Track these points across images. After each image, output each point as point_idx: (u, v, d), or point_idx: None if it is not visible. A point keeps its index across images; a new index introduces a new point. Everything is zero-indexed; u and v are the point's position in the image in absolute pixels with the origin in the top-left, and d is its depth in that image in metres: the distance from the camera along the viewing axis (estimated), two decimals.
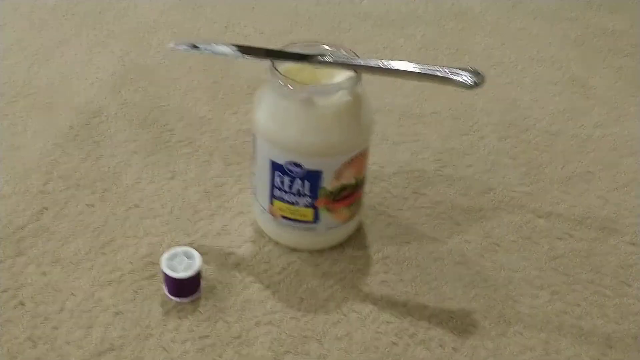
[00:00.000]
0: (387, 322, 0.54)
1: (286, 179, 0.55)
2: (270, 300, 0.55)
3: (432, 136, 0.77)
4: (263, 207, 0.59)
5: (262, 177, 0.57)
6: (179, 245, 0.59)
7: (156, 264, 0.58)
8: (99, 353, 0.50)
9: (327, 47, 0.56)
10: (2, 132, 0.72)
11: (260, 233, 0.62)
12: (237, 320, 0.54)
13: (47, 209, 0.63)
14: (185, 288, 0.54)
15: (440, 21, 1.01)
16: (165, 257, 0.54)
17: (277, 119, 0.53)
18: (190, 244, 0.60)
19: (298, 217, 0.58)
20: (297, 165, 0.54)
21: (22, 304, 0.54)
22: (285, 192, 0.56)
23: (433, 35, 0.96)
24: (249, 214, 0.64)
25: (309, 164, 0.54)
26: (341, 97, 0.53)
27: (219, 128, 0.76)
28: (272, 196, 0.57)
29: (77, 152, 0.70)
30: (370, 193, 0.68)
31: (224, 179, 0.68)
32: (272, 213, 0.59)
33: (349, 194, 0.57)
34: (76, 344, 0.51)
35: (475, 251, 0.62)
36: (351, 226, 0.62)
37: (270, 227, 0.60)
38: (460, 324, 0.55)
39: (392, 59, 0.54)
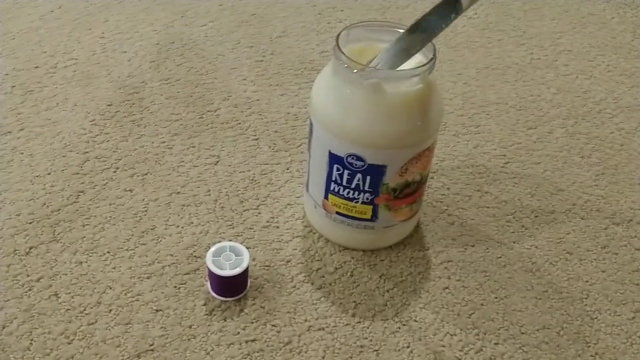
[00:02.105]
0: (451, 335, 0.49)
1: (345, 173, 0.50)
2: (322, 303, 0.51)
3: (496, 128, 0.71)
4: (316, 202, 0.54)
5: (318, 169, 0.52)
6: (224, 237, 0.55)
7: (199, 257, 0.53)
8: (137, 353, 0.46)
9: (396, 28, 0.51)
10: (39, 104, 0.68)
11: (311, 228, 0.57)
12: (287, 324, 0.49)
13: (83, 192, 0.59)
14: (231, 287, 0.50)
15: (504, 1, 0.94)
16: (211, 252, 0.50)
17: (340, 106, 0.48)
18: (235, 236, 0.56)
19: (354, 214, 0.53)
20: (359, 158, 0.49)
21: (57, 295, 0.50)
22: (343, 187, 0.51)
23: (497, 17, 0.89)
24: (299, 206, 0.59)
25: (372, 158, 0.49)
26: (413, 85, 0.48)
27: (267, 110, 0.71)
28: (328, 191, 0.52)
29: (116, 131, 0.66)
30: (429, 189, 0.62)
31: (271, 165, 0.63)
32: (325, 208, 0.54)
33: (412, 192, 0.52)
34: (114, 342, 0.47)
35: (546, 258, 0.56)
36: (410, 225, 0.56)
37: (322, 223, 0.55)
38: (532, 340, 0.49)
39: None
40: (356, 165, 0.49)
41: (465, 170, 0.65)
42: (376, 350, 0.48)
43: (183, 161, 0.63)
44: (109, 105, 0.69)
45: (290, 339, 0.48)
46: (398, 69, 0.47)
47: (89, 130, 0.65)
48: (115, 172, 0.61)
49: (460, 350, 0.48)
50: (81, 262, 0.52)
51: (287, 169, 0.63)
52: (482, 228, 0.59)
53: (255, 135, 0.67)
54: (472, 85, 0.77)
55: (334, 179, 0.51)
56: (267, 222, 0.57)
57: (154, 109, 0.69)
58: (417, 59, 0.49)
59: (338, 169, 0.50)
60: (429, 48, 0.49)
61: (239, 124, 0.68)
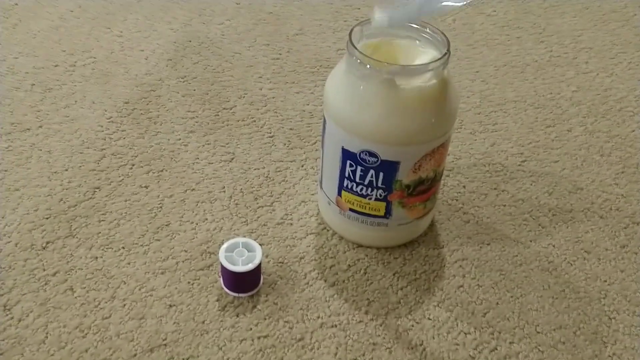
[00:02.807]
0: (466, 333, 0.49)
1: (359, 170, 0.50)
2: (335, 300, 0.51)
3: (513, 126, 0.70)
4: (329, 199, 0.54)
5: (331, 166, 0.52)
6: (238, 234, 0.55)
7: (213, 253, 0.53)
8: (150, 348, 0.47)
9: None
10: (58, 101, 0.69)
11: (324, 225, 0.57)
12: (300, 321, 0.49)
13: (99, 188, 0.59)
14: (244, 283, 0.50)
15: None
16: (223, 248, 0.50)
17: (353, 102, 0.48)
18: (249, 233, 0.56)
19: (368, 211, 0.52)
20: (372, 154, 0.48)
21: (72, 289, 0.50)
22: (357, 183, 0.51)
23: (516, 14, 0.88)
24: (313, 203, 0.59)
25: (385, 154, 0.48)
26: (427, 80, 0.47)
27: (282, 107, 0.71)
28: (341, 187, 0.52)
29: (133, 128, 0.66)
30: (444, 187, 0.62)
31: (286, 163, 0.63)
32: (339, 205, 0.53)
33: (426, 189, 0.52)
34: (127, 337, 0.47)
35: (563, 257, 0.55)
36: (424, 223, 0.56)
37: (336, 220, 0.55)
38: (548, 339, 0.49)
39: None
40: (369, 161, 0.49)
41: (481, 168, 0.64)
42: (389, 348, 0.47)
43: (198, 158, 0.63)
44: (126, 103, 0.70)
45: (303, 336, 0.48)
46: (412, 64, 0.47)
47: (106, 128, 0.66)
48: (131, 168, 0.62)
49: (475, 349, 0.48)
50: (96, 257, 0.53)
51: (302, 166, 0.63)
52: (499, 226, 0.58)
53: (270, 133, 0.67)
54: (490, 83, 0.76)
55: (347, 175, 0.51)
56: (281, 219, 0.57)
57: (170, 106, 0.70)
58: (431, 55, 0.49)
59: (351, 165, 0.50)
60: (443, 43, 0.48)
61: (255, 121, 0.68)
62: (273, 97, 0.72)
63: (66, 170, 0.61)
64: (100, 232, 0.55)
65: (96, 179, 0.60)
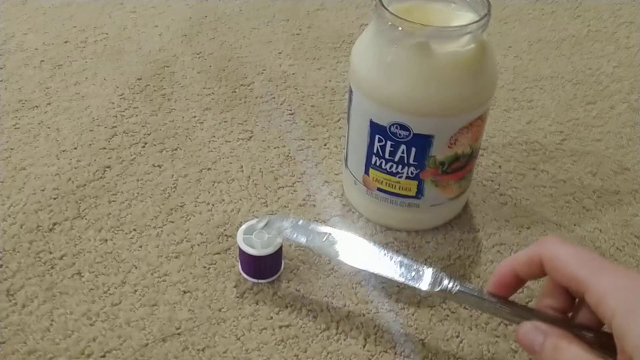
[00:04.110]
0: (506, 324, 0.45)
1: (388, 145, 0.46)
2: (363, 287, 0.47)
3: (551, 103, 0.65)
4: (355, 178, 0.50)
5: (358, 141, 0.48)
6: (257, 215, 0.51)
7: (231, 236, 0.50)
8: (163, 337, 0.43)
9: None
10: (68, 78, 0.66)
11: (349, 207, 0.53)
12: (325, 309, 0.45)
13: (110, 167, 0.56)
14: (264, 267, 0.46)
15: None
16: (242, 230, 0.46)
17: (383, 69, 0.44)
18: (269, 215, 0.52)
19: (398, 191, 0.48)
20: (403, 127, 0.44)
21: (80, 273, 0.47)
22: (386, 160, 0.47)
23: None
24: (337, 184, 0.55)
25: (418, 127, 0.44)
26: (464, 45, 0.43)
27: (303, 84, 0.67)
28: (369, 165, 0.48)
29: (146, 105, 0.63)
30: (479, 167, 0.57)
31: (307, 141, 0.59)
32: (366, 185, 0.49)
33: (461, 166, 0.48)
34: (138, 325, 0.44)
35: (611, 242, 0.51)
36: (458, 204, 0.52)
37: (362, 201, 0.51)
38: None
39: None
40: (400, 135, 0.45)
41: (517, 147, 0.60)
42: (422, 340, 0.43)
43: (215, 136, 0.59)
44: (138, 80, 0.66)
45: (328, 325, 0.44)
46: (448, 26, 0.43)
47: (118, 105, 0.63)
48: (143, 147, 0.58)
49: (517, 342, 0.43)
50: (106, 240, 0.49)
51: (325, 145, 0.59)
52: (538, 209, 0.53)
53: (290, 110, 0.63)
54: (523, 59, 0.71)
55: (375, 151, 0.47)
56: (304, 200, 0.54)
57: (185, 83, 0.66)
58: (468, 18, 0.44)
59: (380, 140, 0.46)
60: (482, 4, 0.44)
61: (274, 98, 0.64)
62: (293, 74, 0.68)
63: (75, 148, 0.57)
64: (110, 213, 0.51)
65: (107, 158, 0.57)
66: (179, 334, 0.43)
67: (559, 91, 0.67)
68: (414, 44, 0.42)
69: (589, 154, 0.59)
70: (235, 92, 0.65)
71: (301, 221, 0.44)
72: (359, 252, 0.42)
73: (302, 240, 0.43)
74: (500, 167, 0.58)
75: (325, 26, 0.76)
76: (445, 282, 0.39)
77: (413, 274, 0.40)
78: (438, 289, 0.39)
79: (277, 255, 0.46)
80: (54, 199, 0.52)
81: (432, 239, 0.50)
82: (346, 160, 0.51)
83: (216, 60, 0.69)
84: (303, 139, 0.60)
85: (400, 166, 0.46)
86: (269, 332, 0.44)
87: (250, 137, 0.60)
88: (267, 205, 0.53)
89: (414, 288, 0.40)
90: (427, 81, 0.43)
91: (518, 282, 0.37)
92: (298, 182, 0.55)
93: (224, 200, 0.53)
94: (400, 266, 0.41)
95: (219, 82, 0.66)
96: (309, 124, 0.61)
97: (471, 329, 0.44)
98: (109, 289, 0.46)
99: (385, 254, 0.42)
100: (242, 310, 0.45)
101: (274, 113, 0.62)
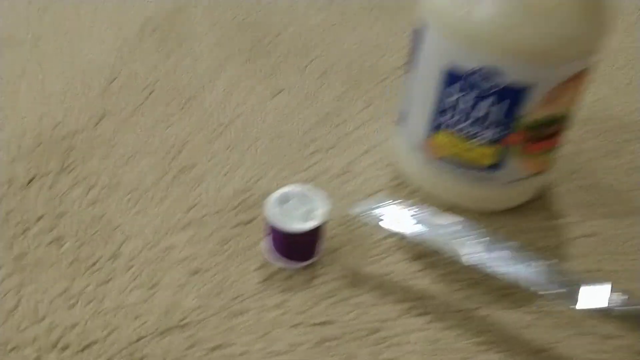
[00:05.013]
0: (611, 337, 0.34)
1: (468, 99, 0.35)
2: (421, 279, 0.36)
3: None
4: (414, 142, 0.40)
5: (424, 95, 0.37)
6: (283, 184, 0.41)
7: (254, 206, 0.39)
8: (161, 331, 0.33)
9: None
10: (66, 18, 0.55)
11: (401, 179, 0.42)
12: (374, 304, 0.35)
13: (106, 116, 0.45)
14: (298, 248, 0.36)
15: None
16: (274, 199, 0.35)
17: None
18: (300, 185, 0.42)
19: (470, 159, 0.38)
20: (491, 74, 0.34)
21: (61, 240, 0.36)
22: (460, 119, 0.36)
23: None
24: (382, 151, 0.45)
25: (511, 74, 0.34)
26: None
27: (338, 40, 0.56)
28: (435, 124, 0.38)
29: (154, 51, 0.52)
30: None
31: (345, 101, 0.49)
32: (429, 151, 0.39)
33: (553, 132, 0.37)
34: (132, 312, 0.33)
35: None
36: (541, 182, 0.42)
37: (421, 171, 0.41)
38: None
39: None
40: (486, 86, 0.34)
41: (600, 123, 0.49)
42: (501, 351, 0.33)
43: (235, 89, 0.49)
44: (148, 19, 0.55)
45: (379, 326, 0.34)
46: None
47: (121, 47, 0.52)
48: (149, 95, 0.48)
49: (616, 349, 0.33)
50: (95, 202, 0.39)
51: (367, 106, 0.49)
52: (636, 194, 0.43)
53: (324, 67, 0.53)
54: None
55: (447, 107, 0.36)
56: (343, 169, 0.43)
57: (202, 29, 0.55)
58: None
59: (457, 92, 0.35)
60: None
61: (306, 52, 0.54)
62: (328, 27, 0.57)
63: (65, 91, 0.47)
64: (104, 170, 0.41)
65: (103, 105, 0.46)
66: (182, 326, 0.33)
67: None
68: None
69: None
70: (262, 42, 0.55)
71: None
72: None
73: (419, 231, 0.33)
74: (585, 143, 0.47)
75: None
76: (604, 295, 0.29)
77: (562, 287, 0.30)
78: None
79: (317, 232, 0.35)
80: (35, 148, 0.42)
81: (507, 223, 0.40)
82: (403, 120, 0.41)
83: (240, 5, 0.59)
84: (340, 99, 0.49)
85: (479, 127, 0.36)
86: (301, 330, 0.33)
87: (279, 93, 0.49)
88: (296, 173, 0.43)
89: (564, 303, 0.30)
90: (526, 14, 0.32)
91: None
92: (334, 148, 0.45)
93: (245, 163, 0.43)
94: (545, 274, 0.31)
95: (242, 30, 0.56)
96: (346, 83, 0.51)
97: (560, 334, 0.34)
98: (95, 264, 0.35)
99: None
100: (267, 301, 0.34)
101: (306, 69, 0.52)
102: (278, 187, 0.36)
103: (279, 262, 0.36)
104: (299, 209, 0.35)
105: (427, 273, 0.37)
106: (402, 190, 0.42)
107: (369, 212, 0.35)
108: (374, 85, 0.51)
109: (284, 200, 0.36)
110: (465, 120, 0.36)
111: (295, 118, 0.47)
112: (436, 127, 0.38)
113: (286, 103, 0.48)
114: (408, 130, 0.40)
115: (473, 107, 0.35)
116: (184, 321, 0.33)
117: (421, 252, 0.38)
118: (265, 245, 0.37)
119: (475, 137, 0.37)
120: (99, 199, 0.39)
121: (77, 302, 0.34)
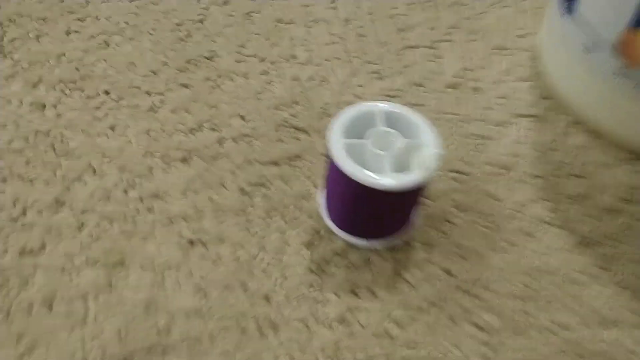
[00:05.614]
0: None
1: None
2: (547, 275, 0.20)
3: None
4: (594, 40, 0.22)
5: None
6: (358, 97, 0.24)
7: (306, 131, 0.23)
8: (148, 348, 0.18)
9: None
10: None
11: (560, 100, 0.26)
12: (496, 312, 0.19)
13: None
14: (383, 216, 0.20)
15: None
16: (342, 123, 0.19)
17: None
18: (383, 98, 0.25)
19: None
20: None
21: None
22: None
23: None
24: (524, 54, 0.27)
25: None
26: None
27: None
28: None
29: None
30: None
31: None
32: (626, 55, 0.22)
33: None
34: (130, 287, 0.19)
35: None
36: None
37: (600, 91, 0.24)
38: None
39: None
40: None
41: None
42: None
43: None
44: None
45: (487, 340, 0.18)
46: None
47: None
48: None
49: None
50: (57, 105, 0.24)
51: None
52: None
53: None
54: None
55: None
56: (455, 76, 0.27)
57: None
58: None
59: None
60: None
61: None
62: None
63: None
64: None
65: None
66: (164, 347, 0.18)
67: None
68: None
69: None
70: None
71: None
72: None
73: None
74: None
75: None
76: None
77: None
78: None
79: (416, 194, 0.19)
80: None
81: None
82: (573, 9, 0.23)
83: None
84: None
85: None
86: (377, 342, 0.18)
87: None
88: (382, 78, 0.26)
89: None
90: None
91: None
92: (444, 41, 0.28)
93: (295, 56, 0.26)
94: None
95: None
96: None
97: None
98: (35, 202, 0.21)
99: None
100: (322, 287, 0.19)
101: None
102: (356, 100, 0.20)
103: (347, 237, 0.20)
104: (389, 147, 0.19)
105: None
106: (564, 119, 0.25)
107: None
108: None
109: (363, 127, 0.19)
110: None
111: None
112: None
113: None
114: (584, 20, 0.23)
115: None
116: (195, 310, 0.18)
117: (590, 230, 0.21)
118: (323, 202, 0.21)
119: None
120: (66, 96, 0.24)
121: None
